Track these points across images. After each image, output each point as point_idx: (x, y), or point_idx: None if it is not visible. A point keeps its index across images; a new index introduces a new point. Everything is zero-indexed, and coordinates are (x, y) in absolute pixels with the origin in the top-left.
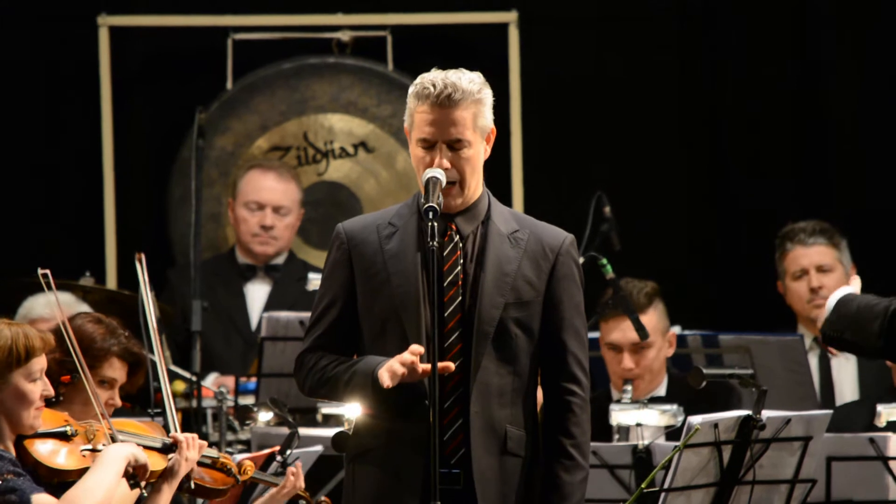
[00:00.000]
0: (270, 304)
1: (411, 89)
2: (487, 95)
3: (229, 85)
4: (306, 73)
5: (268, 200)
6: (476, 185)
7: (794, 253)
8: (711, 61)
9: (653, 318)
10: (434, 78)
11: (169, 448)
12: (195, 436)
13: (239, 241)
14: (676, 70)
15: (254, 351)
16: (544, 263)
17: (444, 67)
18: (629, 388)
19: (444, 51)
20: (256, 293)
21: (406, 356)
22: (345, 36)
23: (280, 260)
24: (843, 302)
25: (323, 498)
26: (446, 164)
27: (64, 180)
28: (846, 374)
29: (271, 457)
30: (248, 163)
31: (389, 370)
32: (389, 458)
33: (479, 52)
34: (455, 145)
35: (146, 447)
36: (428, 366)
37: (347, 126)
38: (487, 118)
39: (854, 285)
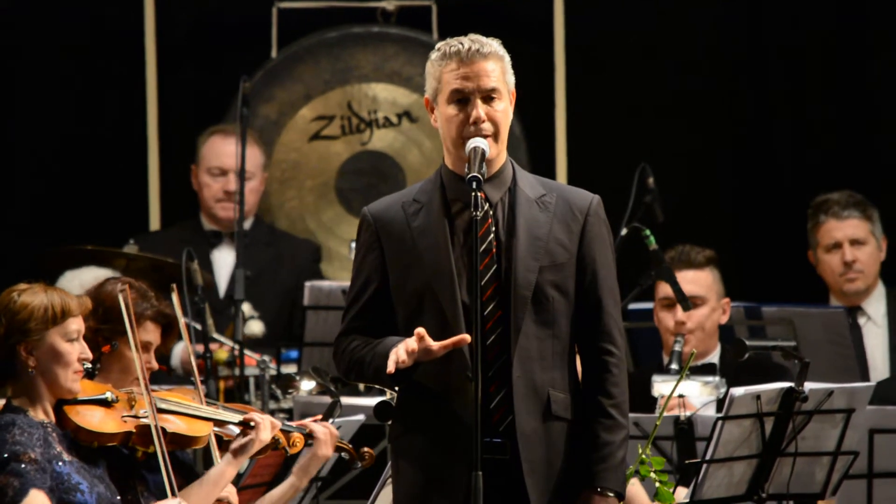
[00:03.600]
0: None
1: (433, 55)
2: (508, 58)
3: (274, 53)
4: (350, 42)
5: (230, 165)
6: (503, 148)
7: (828, 225)
8: (757, 29)
9: (708, 276)
10: (455, 39)
11: (245, 425)
12: (270, 418)
13: (203, 207)
14: (721, 39)
15: (223, 317)
16: (574, 225)
17: (488, 37)
18: (680, 339)
19: (488, 21)
20: (224, 259)
21: (410, 342)
22: (389, 5)
23: (246, 225)
24: None
25: (365, 448)
26: (483, 115)
27: (109, 148)
28: (877, 343)
29: None
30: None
31: (393, 357)
32: (435, 433)
33: (524, 22)
34: (491, 94)
35: (212, 420)
36: (442, 343)
37: (391, 95)
38: (511, 78)
39: None
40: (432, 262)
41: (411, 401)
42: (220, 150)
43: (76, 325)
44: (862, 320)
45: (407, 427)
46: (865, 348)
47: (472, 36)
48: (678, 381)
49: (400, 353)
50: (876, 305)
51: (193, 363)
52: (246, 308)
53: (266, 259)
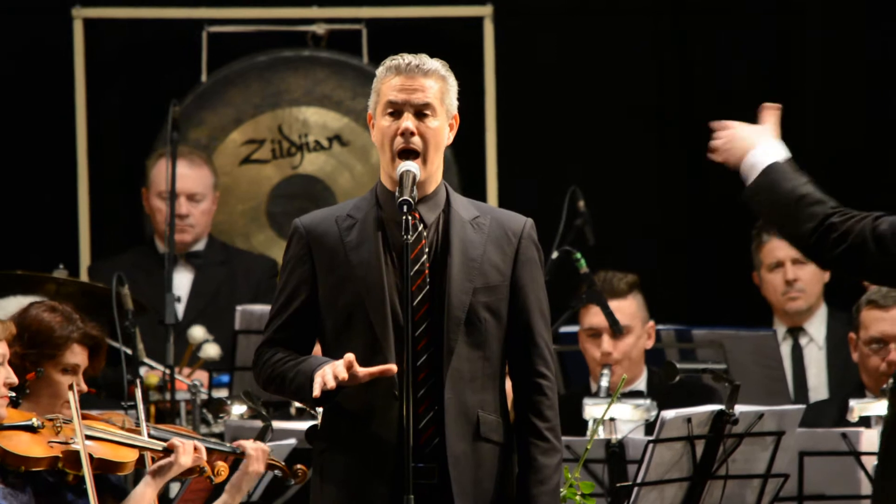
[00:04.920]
0: (195, 291)
1: (378, 70)
2: (453, 81)
3: (204, 77)
4: (281, 66)
5: (180, 189)
6: (438, 167)
7: (771, 245)
8: (685, 56)
9: (632, 304)
10: (400, 55)
11: (167, 452)
12: (195, 443)
13: (157, 231)
14: (652, 63)
15: (181, 342)
16: (508, 248)
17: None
18: (607, 371)
19: (419, 44)
20: (180, 281)
21: (339, 368)
22: (320, 29)
23: (200, 246)
24: (775, 178)
25: (299, 465)
26: (412, 127)
27: (38, 173)
28: (817, 365)
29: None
30: (159, 153)
31: (318, 380)
32: (359, 453)
33: (455, 46)
34: (423, 110)
35: (136, 446)
36: (368, 370)
37: (322, 119)
38: (453, 101)
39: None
40: (364, 279)
41: (335, 419)
42: None
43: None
44: (803, 341)
45: (331, 445)
46: (805, 369)
47: (420, 55)
48: (609, 406)
49: (327, 377)
50: (818, 326)
51: (126, 387)
52: (201, 332)
53: (221, 278)
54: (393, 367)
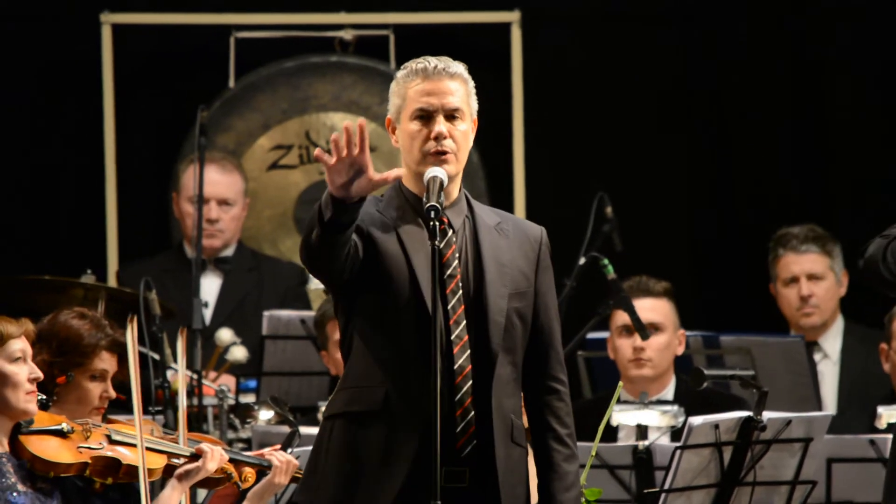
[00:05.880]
0: (223, 297)
1: (399, 74)
2: (472, 83)
3: (231, 83)
4: (308, 71)
5: (211, 194)
6: (461, 170)
7: (786, 259)
8: (714, 61)
9: (666, 305)
10: (421, 58)
11: (195, 458)
12: (220, 449)
13: (185, 236)
14: (680, 70)
15: (209, 346)
16: (531, 254)
17: None
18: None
19: (446, 50)
20: (208, 287)
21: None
22: (347, 35)
23: (229, 252)
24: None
25: None
26: (446, 132)
27: (66, 179)
28: (829, 380)
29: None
30: (189, 158)
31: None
32: (379, 429)
33: (482, 51)
34: (454, 114)
35: (165, 452)
36: (382, 174)
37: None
38: (475, 103)
39: None
40: (408, 266)
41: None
42: None
43: (19, 345)
44: (817, 356)
45: (352, 408)
46: (819, 384)
47: (441, 56)
48: (607, 414)
49: (340, 141)
50: (832, 342)
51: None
52: (228, 334)
53: (250, 284)
54: (401, 171)
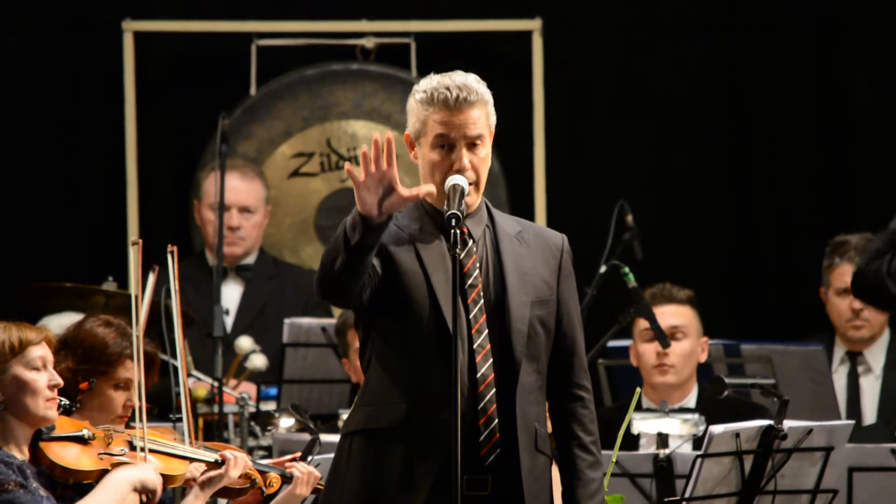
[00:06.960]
0: (244, 305)
1: (418, 96)
2: (489, 96)
3: (253, 91)
4: (329, 79)
5: (232, 201)
6: (481, 191)
7: (842, 269)
8: (735, 69)
9: (689, 311)
10: (442, 82)
11: (218, 464)
12: (243, 455)
13: (207, 243)
14: (701, 77)
15: (229, 354)
16: (553, 262)
17: (466, 73)
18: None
19: (467, 58)
20: (229, 294)
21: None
22: (369, 43)
23: (250, 259)
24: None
25: None
26: (467, 164)
27: (87, 186)
28: (870, 394)
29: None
30: (210, 164)
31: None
32: (400, 445)
33: (503, 59)
34: (476, 142)
35: (189, 458)
36: (411, 190)
37: (370, 133)
38: (494, 117)
39: None
40: (426, 281)
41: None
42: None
43: (39, 352)
44: (861, 368)
45: (372, 423)
46: (861, 397)
47: (458, 80)
48: (625, 422)
49: (368, 156)
50: (877, 356)
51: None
52: (248, 342)
53: (271, 292)
54: (433, 189)
